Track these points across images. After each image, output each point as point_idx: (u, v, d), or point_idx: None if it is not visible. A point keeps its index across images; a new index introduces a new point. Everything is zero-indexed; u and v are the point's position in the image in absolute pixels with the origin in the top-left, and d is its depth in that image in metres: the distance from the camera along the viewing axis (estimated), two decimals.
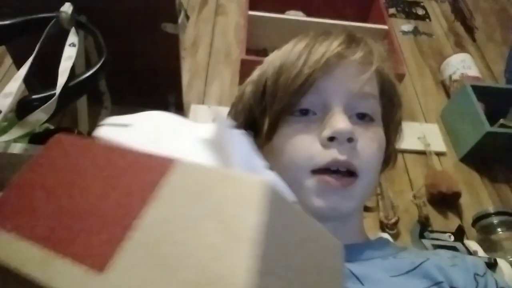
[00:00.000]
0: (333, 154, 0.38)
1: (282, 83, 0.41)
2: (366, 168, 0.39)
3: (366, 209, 0.51)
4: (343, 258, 0.25)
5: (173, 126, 0.33)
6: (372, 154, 0.40)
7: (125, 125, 0.31)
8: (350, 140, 0.38)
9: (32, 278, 0.18)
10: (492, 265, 0.77)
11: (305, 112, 0.40)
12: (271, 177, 0.27)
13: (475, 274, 0.40)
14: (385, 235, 0.85)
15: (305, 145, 0.39)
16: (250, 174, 0.20)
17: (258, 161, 0.27)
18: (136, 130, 0.31)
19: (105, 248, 0.18)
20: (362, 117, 0.40)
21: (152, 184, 0.20)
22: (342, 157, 0.37)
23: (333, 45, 0.40)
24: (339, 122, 0.37)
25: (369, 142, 0.39)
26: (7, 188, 0.23)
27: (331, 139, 0.38)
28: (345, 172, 0.38)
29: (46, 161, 0.23)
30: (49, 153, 0.24)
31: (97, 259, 0.18)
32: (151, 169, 0.21)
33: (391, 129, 0.46)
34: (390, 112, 0.45)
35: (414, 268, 0.40)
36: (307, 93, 0.39)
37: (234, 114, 0.48)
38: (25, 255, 0.19)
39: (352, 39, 0.42)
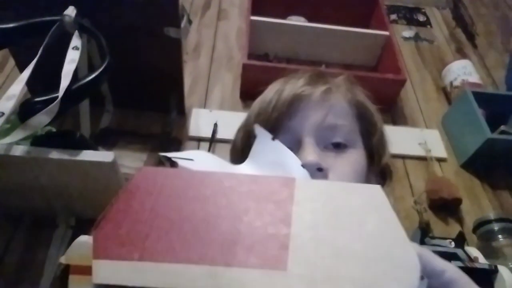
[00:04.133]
0: None
1: None
2: None
3: None
4: None
5: (223, 164, 0.39)
6: (345, 177, 0.42)
7: (189, 159, 0.34)
8: (320, 169, 0.41)
9: None
10: (493, 272, 0.77)
11: None
12: None
13: None
14: None
15: None
16: (359, 184, 0.25)
17: None
18: (201, 163, 0.34)
19: (275, 251, 0.20)
20: (337, 145, 0.44)
21: (288, 196, 0.23)
22: None
23: (296, 87, 0.46)
24: (307, 155, 0.41)
25: (341, 168, 0.43)
26: (107, 220, 0.22)
27: None
28: None
29: (142, 191, 0.23)
30: (142, 183, 0.24)
31: (274, 261, 0.20)
32: (280, 186, 0.23)
33: (374, 148, 0.49)
34: (369, 133, 0.49)
35: None
36: (279, 134, 0.44)
37: (231, 158, 0.54)
38: (186, 276, 0.19)
39: (314, 79, 0.47)
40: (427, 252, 0.25)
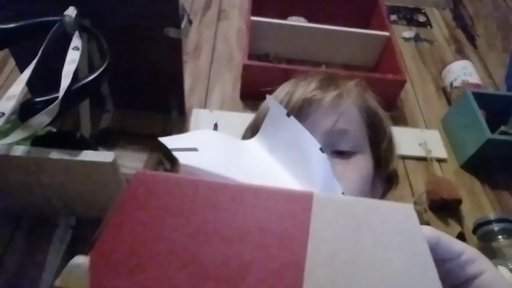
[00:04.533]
0: None
1: None
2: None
3: None
4: None
5: (231, 144, 0.36)
6: (351, 183, 0.42)
7: (193, 149, 0.31)
8: None
9: None
10: None
11: None
12: None
13: None
14: None
15: None
16: (388, 202, 0.22)
17: (336, 185, 0.30)
18: (206, 153, 0.31)
19: None
20: (341, 153, 0.44)
21: (304, 220, 0.20)
22: None
23: (307, 91, 0.45)
24: None
25: (348, 174, 0.42)
26: (103, 240, 0.19)
27: None
28: None
29: (139, 204, 0.21)
30: (139, 194, 0.21)
31: None
32: (294, 206, 0.20)
33: (382, 154, 0.48)
34: (377, 139, 0.48)
35: None
36: None
37: None
38: None
39: (325, 83, 0.47)
40: (444, 235, 0.25)
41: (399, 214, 0.20)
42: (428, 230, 0.26)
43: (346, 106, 0.45)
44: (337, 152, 0.44)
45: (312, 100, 0.45)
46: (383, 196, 0.52)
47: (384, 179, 0.51)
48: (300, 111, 0.44)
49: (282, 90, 0.48)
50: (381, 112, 0.50)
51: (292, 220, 0.20)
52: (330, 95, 0.45)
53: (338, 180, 0.41)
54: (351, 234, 0.19)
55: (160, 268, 0.18)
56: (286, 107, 0.45)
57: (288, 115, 0.39)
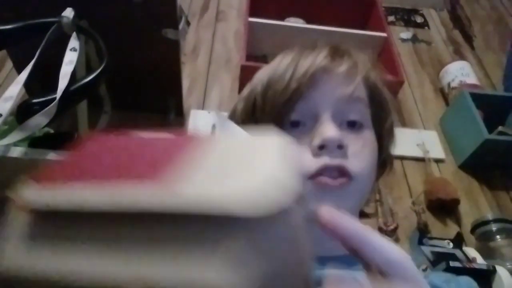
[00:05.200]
0: (324, 161, 0.38)
1: (270, 97, 0.43)
2: (359, 172, 0.39)
3: (365, 215, 0.51)
4: None
5: None
6: (364, 158, 0.40)
7: None
8: (340, 147, 0.39)
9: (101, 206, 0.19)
10: (491, 273, 0.77)
11: (295, 124, 0.42)
12: None
13: None
14: None
15: None
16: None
17: None
18: None
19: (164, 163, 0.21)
20: (352, 125, 0.41)
21: (186, 146, 0.23)
22: (333, 162, 0.38)
23: (318, 59, 0.42)
24: (328, 130, 0.38)
25: (359, 148, 0.40)
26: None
27: (321, 147, 0.39)
28: (339, 174, 0.39)
29: (81, 147, 0.26)
30: (85, 145, 0.26)
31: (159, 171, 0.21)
32: (181, 139, 0.25)
33: (384, 134, 0.47)
34: (380, 118, 0.46)
35: None
36: (295, 105, 0.41)
37: None
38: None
39: (336, 52, 0.45)
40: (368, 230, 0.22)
41: (265, 138, 0.24)
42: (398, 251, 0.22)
43: (361, 76, 0.43)
44: (348, 122, 0.42)
45: (326, 68, 0.42)
46: (376, 180, 0.50)
47: (379, 163, 0.48)
48: (311, 78, 0.41)
49: (284, 59, 0.45)
50: (386, 93, 0.48)
51: (176, 147, 0.24)
52: (346, 63, 0.43)
53: (353, 158, 0.39)
54: (224, 152, 0.23)
55: (79, 172, 0.23)
56: (293, 75, 0.42)
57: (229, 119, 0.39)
